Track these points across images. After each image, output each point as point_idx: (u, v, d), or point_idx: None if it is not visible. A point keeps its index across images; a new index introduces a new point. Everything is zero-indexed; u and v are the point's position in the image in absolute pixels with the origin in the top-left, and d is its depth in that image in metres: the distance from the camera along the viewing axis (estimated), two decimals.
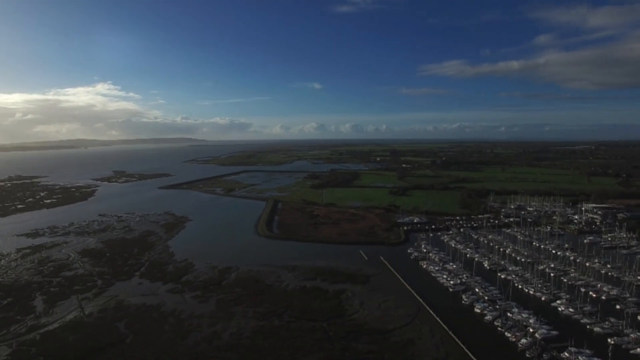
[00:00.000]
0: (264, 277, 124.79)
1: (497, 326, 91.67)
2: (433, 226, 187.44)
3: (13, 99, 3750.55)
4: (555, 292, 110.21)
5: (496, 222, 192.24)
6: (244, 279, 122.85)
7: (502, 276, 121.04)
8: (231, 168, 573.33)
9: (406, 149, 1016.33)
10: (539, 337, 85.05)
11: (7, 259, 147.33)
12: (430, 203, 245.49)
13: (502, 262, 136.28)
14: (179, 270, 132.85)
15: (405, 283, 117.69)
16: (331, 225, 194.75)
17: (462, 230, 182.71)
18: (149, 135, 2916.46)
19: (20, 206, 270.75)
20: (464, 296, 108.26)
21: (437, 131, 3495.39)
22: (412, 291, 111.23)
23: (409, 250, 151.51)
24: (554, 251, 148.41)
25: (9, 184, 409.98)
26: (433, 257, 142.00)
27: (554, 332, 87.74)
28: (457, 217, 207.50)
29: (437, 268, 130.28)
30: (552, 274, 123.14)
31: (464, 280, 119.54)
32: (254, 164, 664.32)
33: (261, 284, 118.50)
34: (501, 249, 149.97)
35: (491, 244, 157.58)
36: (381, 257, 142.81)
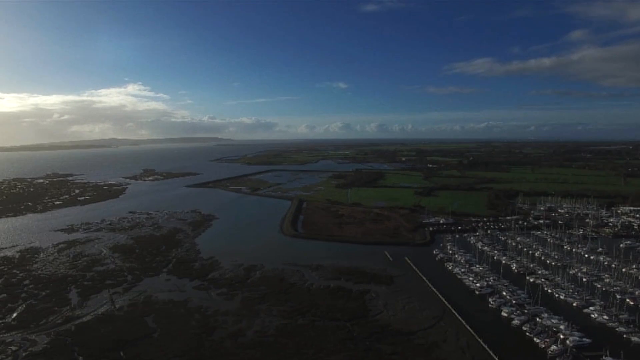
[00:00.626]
0: (288, 275, 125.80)
1: (525, 331, 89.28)
2: (459, 227, 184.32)
3: (52, 101, 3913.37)
4: (587, 298, 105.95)
5: (525, 224, 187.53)
6: (268, 278, 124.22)
7: (531, 280, 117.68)
8: (257, 167, 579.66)
9: (432, 148, 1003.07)
10: (571, 345, 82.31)
11: (45, 252, 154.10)
12: (457, 204, 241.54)
13: (531, 266, 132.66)
14: (205, 267, 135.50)
15: (430, 285, 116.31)
16: (356, 225, 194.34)
17: (489, 231, 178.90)
18: (177, 135, 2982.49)
19: (57, 203, 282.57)
20: (490, 299, 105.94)
21: (464, 131, 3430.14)
22: (437, 293, 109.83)
23: (434, 252, 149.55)
24: (586, 255, 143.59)
25: (47, 182, 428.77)
26: (459, 258, 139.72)
27: (587, 340, 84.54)
28: (484, 219, 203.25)
29: (463, 270, 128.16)
30: (584, 279, 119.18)
31: (490, 283, 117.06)
32: (279, 163, 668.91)
33: (285, 283, 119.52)
34: (530, 252, 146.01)
35: (519, 247, 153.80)
36: (406, 258, 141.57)
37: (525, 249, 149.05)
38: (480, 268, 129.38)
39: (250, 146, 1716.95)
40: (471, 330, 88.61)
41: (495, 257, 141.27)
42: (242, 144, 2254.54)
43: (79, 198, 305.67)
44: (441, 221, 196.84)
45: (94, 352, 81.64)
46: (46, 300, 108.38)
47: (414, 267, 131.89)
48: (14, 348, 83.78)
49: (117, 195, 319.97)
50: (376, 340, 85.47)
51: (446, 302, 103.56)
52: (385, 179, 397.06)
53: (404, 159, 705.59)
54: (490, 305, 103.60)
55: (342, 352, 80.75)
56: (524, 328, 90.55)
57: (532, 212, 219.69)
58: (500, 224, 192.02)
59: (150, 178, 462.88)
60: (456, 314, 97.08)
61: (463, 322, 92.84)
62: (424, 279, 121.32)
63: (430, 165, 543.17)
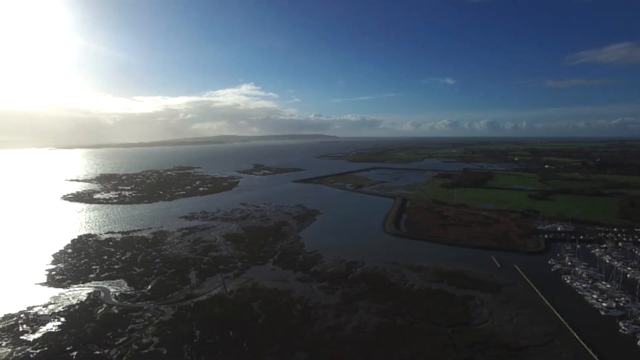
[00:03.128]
0: (388, 274, 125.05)
1: None
2: (581, 237, 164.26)
3: (178, 102, 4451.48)
4: None
5: None
6: (369, 275, 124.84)
7: None
8: (361, 164, 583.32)
9: (550, 148, 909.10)
10: None
11: (171, 236, 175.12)
12: (579, 210, 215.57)
13: None
14: (308, 260, 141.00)
15: (543, 297, 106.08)
16: (461, 227, 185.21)
17: (620, 244, 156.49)
18: (285, 132, 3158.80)
19: (181, 192, 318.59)
20: (621, 324, 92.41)
21: (590, 128, 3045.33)
22: (552, 307, 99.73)
23: (549, 262, 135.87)
24: None
25: (174, 174, 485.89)
26: (580, 272, 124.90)
27: None
28: (614, 229, 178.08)
29: (584, 285, 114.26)
30: None
31: (621, 304, 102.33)
32: (383, 161, 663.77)
33: (386, 282, 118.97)
34: None
35: None
36: (515, 266, 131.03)
37: None
38: (608, 285, 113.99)
39: (354, 143, 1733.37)
40: (595, 357, 78.50)
41: (628, 275, 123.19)
42: (346, 141, 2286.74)
43: (199, 189, 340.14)
44: (558, 228, 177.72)
45: (208, 329, 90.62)
46: (172, 278, 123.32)
47: (525, 277, 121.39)
48: (149, 315, 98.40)
49: (230, 188, 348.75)
50: (479, 350, 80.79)
51: (562, 319, 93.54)
52: (494, 180, 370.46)
53: (516, 158, 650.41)
54: (621, 330, 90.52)
55: (441, 358, 78.04)
56: None
57: None
58: (637, 237, 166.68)
59: (260, 173, 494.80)
60: (575, 334, 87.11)
61: (584, 345, 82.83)
62: (536, 290, 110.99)
63: (547, 166, 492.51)
